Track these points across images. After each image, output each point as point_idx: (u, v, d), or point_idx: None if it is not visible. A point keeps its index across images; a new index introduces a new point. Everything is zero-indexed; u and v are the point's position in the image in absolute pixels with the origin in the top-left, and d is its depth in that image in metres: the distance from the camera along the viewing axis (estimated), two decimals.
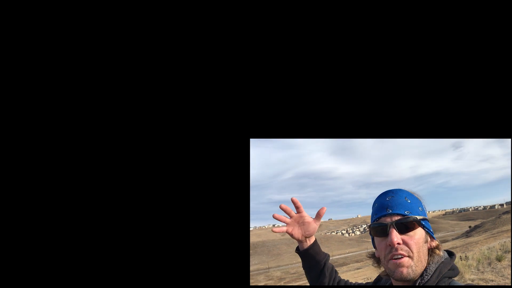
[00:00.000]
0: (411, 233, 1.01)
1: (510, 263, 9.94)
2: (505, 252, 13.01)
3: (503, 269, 9.03)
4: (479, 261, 10.96)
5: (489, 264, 10.44)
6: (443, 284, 0.99)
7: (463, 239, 48.73)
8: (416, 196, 1.10)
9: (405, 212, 1.03)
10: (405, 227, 1.01)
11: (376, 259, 1.11)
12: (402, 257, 1.00)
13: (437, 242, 1.06)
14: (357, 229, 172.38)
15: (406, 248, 1.00)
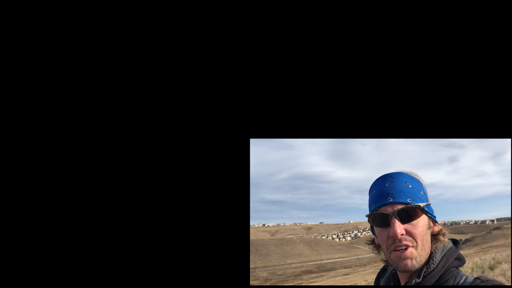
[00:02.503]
0: (414, 221, 0.96)
1: (502, 272, 10.75)
2: (497, 262, 14.11)
3: (495, 277, 9.50)
4: (472, 269, 11.70)
5: (482, 272, 11.16)
6: (451, 274, 0.96)
7: None
8: (417, 178, 1.04)
9: (408, 200, 0.97)
10: (408, 216, 0.96)
11: (376, 246, 1.07)
12: (406, 249, 0.95)
13: (440, 227, 1.02)
14: (348, 235, 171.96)
15: (410, 238, 0.96)
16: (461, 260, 1.00)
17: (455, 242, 1.04)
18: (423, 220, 0.98)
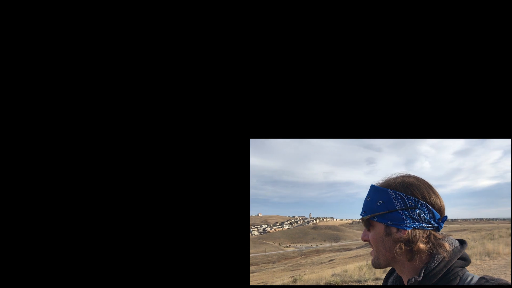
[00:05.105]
0: (370, 229, 1.11)
1: None
2: None
3: None
4: None
5: None
6: (456, 274, 1.00)
7: (367, 249, 46.59)
8: (383, 186, 1.11)
9: (362, 213, 1.13)
10: (365, 225, 1.12)
11: None
12: (372, 250, 1.12)
13: (403, 235, 1.04)
14: (256, 229, 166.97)
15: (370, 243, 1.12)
16: (466, 260, 1.04)
17: (461, 242, 1.08)
18: (377, 228, 1.09)
